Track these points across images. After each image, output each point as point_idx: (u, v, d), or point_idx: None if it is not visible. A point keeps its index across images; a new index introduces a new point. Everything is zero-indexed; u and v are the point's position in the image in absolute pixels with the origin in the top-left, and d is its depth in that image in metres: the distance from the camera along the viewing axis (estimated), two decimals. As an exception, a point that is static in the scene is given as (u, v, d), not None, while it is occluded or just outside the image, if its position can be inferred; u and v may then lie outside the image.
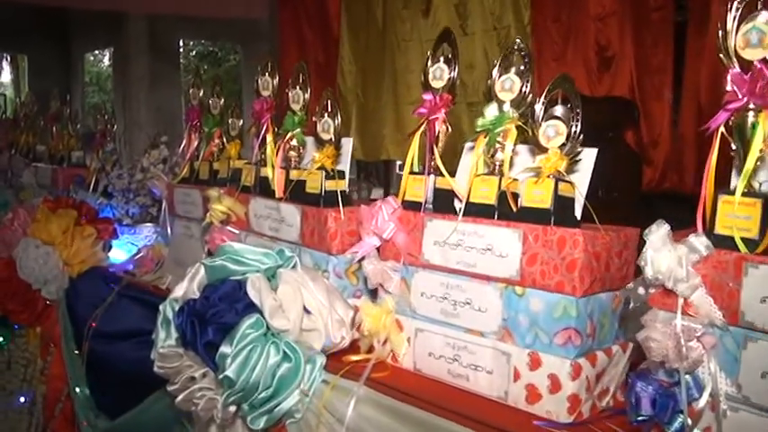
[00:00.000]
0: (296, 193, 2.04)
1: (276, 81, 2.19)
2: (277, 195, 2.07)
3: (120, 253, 2.90)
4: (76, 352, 2.48)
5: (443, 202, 1.74)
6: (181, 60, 12.28)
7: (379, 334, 1.75)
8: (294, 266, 1.76)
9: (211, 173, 2.52)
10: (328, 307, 1.67)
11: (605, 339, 1.55)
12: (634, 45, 5.42)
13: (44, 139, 4.33)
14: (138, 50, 10.52)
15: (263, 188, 2.17)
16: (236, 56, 14.53)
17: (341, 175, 1.96)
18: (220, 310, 1.61)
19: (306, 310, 1.65)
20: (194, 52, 15.33)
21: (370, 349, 1.80)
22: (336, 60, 7.59)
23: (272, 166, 2.13)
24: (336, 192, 1.92)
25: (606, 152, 1.65)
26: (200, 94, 2.64)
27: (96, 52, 14.55)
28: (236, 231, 2.22)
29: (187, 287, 1.72)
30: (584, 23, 5.86)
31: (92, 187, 3.34)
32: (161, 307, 1.75)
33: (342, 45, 7.63)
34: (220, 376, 1.57)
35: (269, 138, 2.16)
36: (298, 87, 2.08)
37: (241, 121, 2.46)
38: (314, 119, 1.99)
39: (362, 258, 1.79)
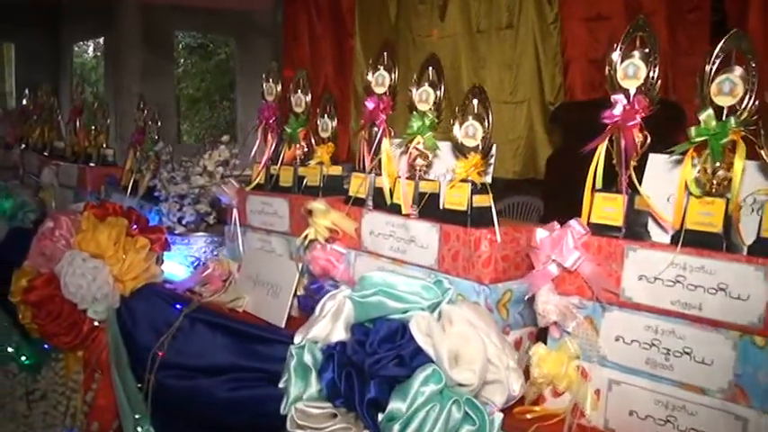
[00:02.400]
0: (429, 208, 1.73)
1: (395, 75, 1.87)
2: (404, 211, 1.75)
3: (176, 267, 2.56)
4: (139, 385, 2.14)
5: (639, 227, 1.45)
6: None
7: (557, 383, 1.45)
8: (451, 301, 1.45)
9: (296, 180, 2.19)
10: (504, 351, 1.37)
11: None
12: (670, 46, 5.22)
13: (62, 134, 3.97)
14: (131, 42, 10.13)
15: (378, 201, 1.85)
16: (227, 49, 14.16)
17: (488, 188, 1.65)
18: (382, 359, 1.30)
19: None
20: (182, 45, 14.86)
21: (537, 400, 1.50)
22: (351, 56, 7.28)
23: (390, 176, 1.81)
24: (489, 209, 1.62)
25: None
26: (278, 89, 2.31)
27: (81, 43, 14.06)
28: (344, 251, 1.90)
29: (330, 327, 1.40)
30: (618, 23, 5.64)
31: (129, 190, 2.99)
32: (294, 350, 1.42)
33: (355, 41, 7.33)
34: (389, 443, 1.25)
35: (386, 142, 1.84)
36: (426, 84, 1.77)
37: (335, 122, 2.13)
38: (454, 121, 1.68)
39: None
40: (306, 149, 2.22)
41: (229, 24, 11.31)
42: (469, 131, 1.65)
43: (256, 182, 2.32)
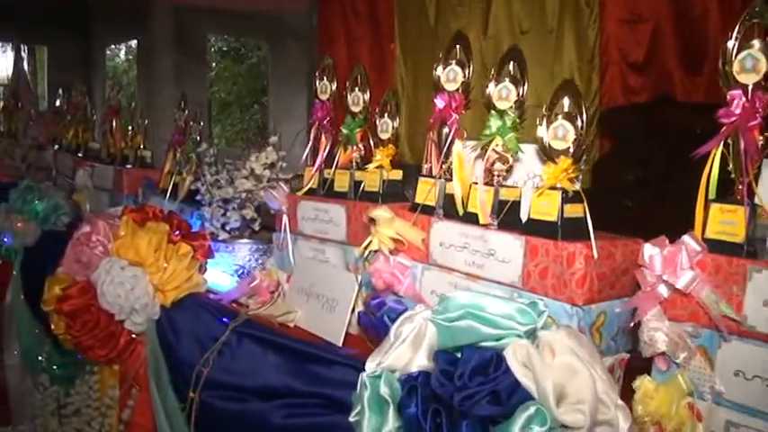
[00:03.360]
0: (509, 218, 1.55)
1: (469, 71, 1.70)
2: (482, 221, 1.57)
3: (219, 276, 2.40)
4: (180, 404, 1.97)
5: (758, 244, 1.26)
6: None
7: (665, 423, 1.27)
8: (545, 325, 1.27)
9: (352, 185, 2.02)
10: (611, 386, 1.18)
11: None
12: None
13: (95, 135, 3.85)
14: (164, 45, 10.07)
15: (449, 210, 1.67)
16: (259, 53, 14.10)
17: (582, 196, 1.47)
18: (474, 395, 1.12)
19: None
20: (214, 48, 14.81)
21: (641, 440, 1.31)
22: (390, 59, 7.14)
23: (463, 182, 1.64)
24: (583, 220, 1.43)
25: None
26: (333, 87, 2.15)
27: (113, 46, 14.08)
28: (409, 264, 1.73)
29: (410, 354, 1.22)
30: (662, 24, 5.43)
31: (168, 193, 2.84)
32: (367, 380, 1.25)
33: (395, 44, 7.20)
34: (485, 494, 1.07)
35: (458, 144, 1.67)
36: (507, 80, 1.60)
37: (396, 122, 1.96)
38: (540, 122, 1.50)
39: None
40: (363, 152, 2.05)
41: (262, 28, 11.24)
42: (559, 132, 1.46)
43: (308, 186, 2.15)
